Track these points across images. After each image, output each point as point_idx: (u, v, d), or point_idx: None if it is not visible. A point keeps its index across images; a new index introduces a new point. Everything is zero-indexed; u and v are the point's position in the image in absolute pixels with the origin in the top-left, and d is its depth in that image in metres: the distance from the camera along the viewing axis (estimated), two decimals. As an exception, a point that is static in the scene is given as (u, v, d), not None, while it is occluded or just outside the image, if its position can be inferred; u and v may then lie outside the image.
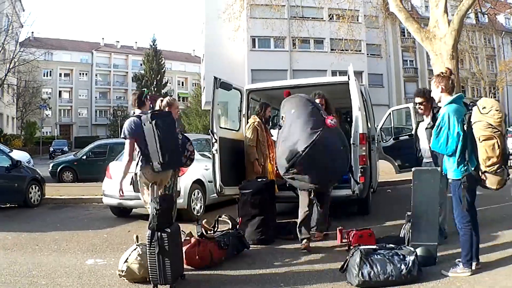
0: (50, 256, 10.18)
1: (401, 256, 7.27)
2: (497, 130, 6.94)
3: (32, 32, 75.84)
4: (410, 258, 7.23)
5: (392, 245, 7.90)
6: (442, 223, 9.53)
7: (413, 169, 9.07)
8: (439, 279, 7.33)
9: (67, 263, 9.44)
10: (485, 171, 7.09)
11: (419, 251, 7.79)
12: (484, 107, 7.01)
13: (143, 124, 8.14)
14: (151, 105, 9.41)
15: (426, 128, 9.82)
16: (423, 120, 10.17)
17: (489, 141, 6.97)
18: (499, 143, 6.89)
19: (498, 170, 7.01)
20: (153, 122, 7.94)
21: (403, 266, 7.13)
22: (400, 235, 9.22)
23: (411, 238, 8.40)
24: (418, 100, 9.93)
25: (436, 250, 8.19)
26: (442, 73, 8.04)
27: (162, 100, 9.85)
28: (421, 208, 8.40)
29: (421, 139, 10.16)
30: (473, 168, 7.25)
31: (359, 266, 7.13)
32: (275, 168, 11.78)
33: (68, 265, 9.23)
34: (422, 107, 9.90)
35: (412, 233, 8.42)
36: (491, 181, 7.11)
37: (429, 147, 9.05)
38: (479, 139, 7.03)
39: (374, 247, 7.81)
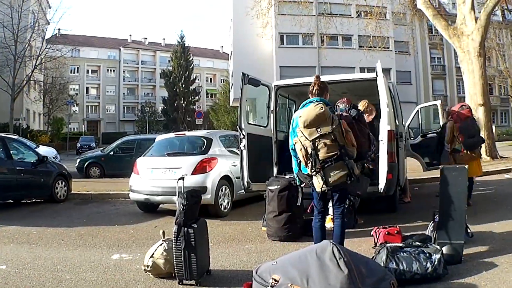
0: (75, 251, 10.22)
1: (427, 254, 7.24)
2: None
3: (59, 29, 76.42)
4: (436, 256, 7.19)
5: (419, 243, 7.88)
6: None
7: (440, 166, 9.05)
8: (464, 278, 7.25)
9: (92, 258, 9.48)
10: None
11: (445, 249, 7.76)
12: None
13: None
14: None
15: None
16: None
17: None
18: None
19: None
20: None
21: (428, 264, 7.10)
22: (427, 233, 9.20)
23: (438, 236, 8.36)
24: None
25: (463, 248, 8.14)
26: None
27: None
28: (448, 205, 8.37)
29: None
30: None
31: (385, 263, 7.11)
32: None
33: (93, 260, 9.27)
34: None
35: (439, 231, 8.40)
36: None
37: None
38: None
39: (400, 244, 7.79)
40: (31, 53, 61.21)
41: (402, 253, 7.30)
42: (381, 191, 10.59)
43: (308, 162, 7.71)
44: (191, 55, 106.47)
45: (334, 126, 7.57)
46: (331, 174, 7.55)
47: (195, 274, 7.35)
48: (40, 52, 60.67)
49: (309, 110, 7.80)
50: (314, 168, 7.66)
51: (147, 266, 7.85)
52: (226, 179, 14.39)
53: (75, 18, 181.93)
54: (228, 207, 14.35)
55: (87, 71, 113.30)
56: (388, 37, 47.49)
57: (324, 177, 7.57)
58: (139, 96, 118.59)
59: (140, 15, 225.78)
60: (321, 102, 7.84)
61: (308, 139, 7.65)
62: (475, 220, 10.42)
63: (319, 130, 7.59)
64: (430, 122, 19.37)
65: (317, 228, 8.16)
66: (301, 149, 7.76)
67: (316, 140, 7.60)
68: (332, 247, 6.08)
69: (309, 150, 7.64)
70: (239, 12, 52.96)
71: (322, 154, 7.55)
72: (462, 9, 21.72)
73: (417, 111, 17.62)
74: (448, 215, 8.32)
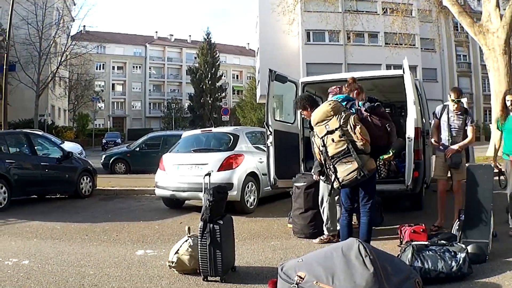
0: (99, 246, 10.28)
1: (452, 253, 7.22)
2: None
3: (84, 26, 76.46)
4: (461, 255, 7.17)
5: (444, 242, 7.86)
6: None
7: (466, 164, 9.04)
8: (488, 277, 7.24)
9: (116, 253, 9.54)
10: None
11: (470, 248, 7.72)
12: None
13: None
14: None
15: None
16: None
17: None
18: None
19: None
20: None
21: (453, 263, 7.08)
22: (452, 232, 9.18)
23: (463, 234, 8.35)
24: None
25: (487, 247, 8.12)
26: None
27: None
28: (473, 204, 8.37)
29: None
30: None
31: (410, 261, 7.10)
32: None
33: (117, 256, 9.32)
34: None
35: (464, 230, 8.38)
36: None
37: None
38: None
39: (426, 243, 7.77)
40: (56, 49, 61.60)
41: (427, 252, 7.29)
42: (407, 189, 10.57)
43: (321, 160, 7.88)
44: (217, 51, 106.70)
45: (342, 122, 7.63)
46: (340, 170, 7.63)
47: (220, 270, 7.37)
48: (65, 49, 61.01)
49: (319, 108, 8.02)
50: (326, 165, 7.81)
51: (172, 262, 7.87)
52: (252, 176, 14.42)
53: (101, 15, 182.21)
54: (254, 203, 14.39)
55: (113, 67, 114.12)
56: (414, 34, 47.22)
57: (334, 173, 7.67)
58: (165, 92, 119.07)
59: (166, 11, 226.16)
60: (333, 99, 7.96)
61: (319, 137, 7.82)
62: (499, 219, 10.37)
63: (327, 126, 7.71)
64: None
65: (344, 226, 8.20)
66: (315, 147, 7.98)
67: (325, 137, 7.72)
68: (358, 244, 6.09)
69: (320, 148, 7.80)
70: (265, 9, 52.97)
71: (330, 150, 7.68)
72: (487, 6, 21.70)
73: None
74: (473, 214, 8.32)
